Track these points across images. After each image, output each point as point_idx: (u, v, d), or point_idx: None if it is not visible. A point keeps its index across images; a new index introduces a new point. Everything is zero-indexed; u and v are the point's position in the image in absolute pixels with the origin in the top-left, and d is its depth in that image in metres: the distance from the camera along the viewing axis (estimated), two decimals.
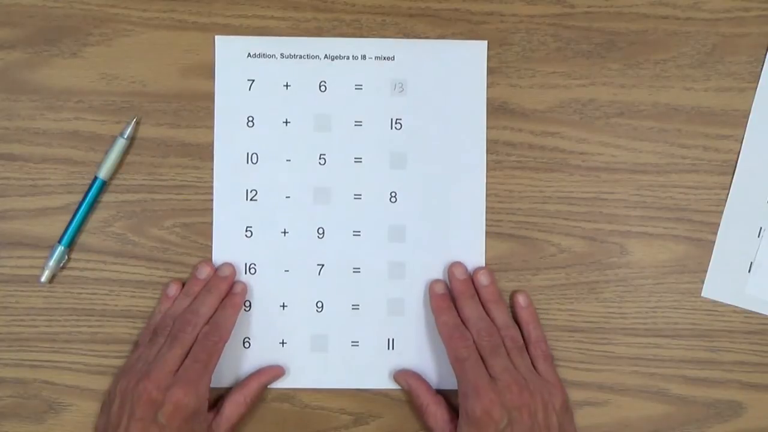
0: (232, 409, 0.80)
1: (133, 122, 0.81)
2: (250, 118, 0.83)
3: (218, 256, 0.83)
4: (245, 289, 0.82)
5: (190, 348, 0.78)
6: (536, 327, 0.82)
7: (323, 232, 0.83)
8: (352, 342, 0.83)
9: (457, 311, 0.81)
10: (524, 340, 0.81)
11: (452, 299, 0.82)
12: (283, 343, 0.83)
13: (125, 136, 0.81)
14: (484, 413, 0.75)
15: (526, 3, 0.83)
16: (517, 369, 0.78)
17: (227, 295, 0.82)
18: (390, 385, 0.83)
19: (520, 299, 0.83)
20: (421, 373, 0.83)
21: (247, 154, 0.83)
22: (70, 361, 0.82)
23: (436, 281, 0.83)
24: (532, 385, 0.77)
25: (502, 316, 0.81)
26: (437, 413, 0.80)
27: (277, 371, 0.83)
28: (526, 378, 0.77)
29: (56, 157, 0.82)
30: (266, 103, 0.83)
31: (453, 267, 0.83)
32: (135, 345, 0.82)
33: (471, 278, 0.83)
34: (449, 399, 0.82)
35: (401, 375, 0.83)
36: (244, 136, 0.83)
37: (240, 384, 0.82)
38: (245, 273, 0.83)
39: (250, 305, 0.83)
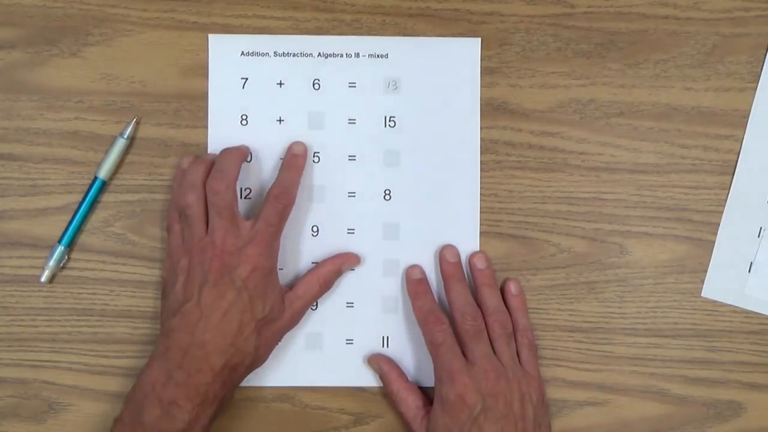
0: (305, 288, 0.79)
1: (133, 122, 0.82)
2: (244, 117, 0.83)
3: None
4: (306, 149, 0.82)
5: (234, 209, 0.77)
6: (524, 315, 0.82)
7: (317, 231, 0.83)
8: (347, 340, 0.83)
9: (446, 294, 0.81)
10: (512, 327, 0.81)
11: (430, 285, 0.82)
12: None
13: (125, 136, 0.81)
14: (458, 398, 0.75)
15: (526, 3, 0.83)
16: (498, 356, 0.78)
17: (289, 156, 0.81)
18: None
19: (512, 287, 0.82)
20: (416, 371, 0.83)
21: None
22: (70, 361, 0.82)
23: (413, 266, 0.82)
24: (510, 374, 0.77)
25: (494, 300, 0.81)
26: (408, 399, 0.80)
27: (352, 258, 0.82)
28: (505, 366, 0.77)
29: (56, 157, 0.82)
30: (260, 102, 0.83)
31: (444, 249, 0.82)
32: (168, 230, 0.80)
33: (461, 263, 0.82)
34: (426, 392, 0.82)
35: (375, 359, 0.82)
36: (238, 135, 0.82)
37: (315, 266, 0.81)
38: None
39: None
